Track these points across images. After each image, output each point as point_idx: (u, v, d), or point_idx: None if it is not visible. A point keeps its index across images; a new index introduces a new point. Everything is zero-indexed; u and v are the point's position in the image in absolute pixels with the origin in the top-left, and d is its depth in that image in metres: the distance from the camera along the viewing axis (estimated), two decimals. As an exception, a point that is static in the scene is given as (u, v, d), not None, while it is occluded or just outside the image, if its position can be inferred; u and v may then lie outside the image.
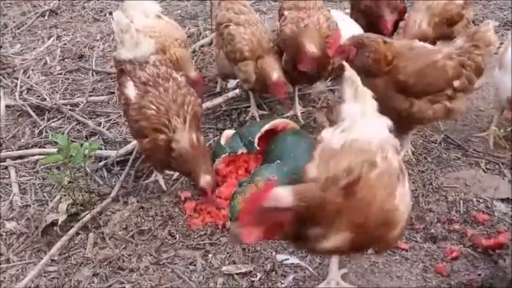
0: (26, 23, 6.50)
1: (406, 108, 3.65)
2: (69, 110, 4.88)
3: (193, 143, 3.47)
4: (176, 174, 3.93)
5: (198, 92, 3.95)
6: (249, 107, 4.70)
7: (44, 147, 4.46)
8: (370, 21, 4.86)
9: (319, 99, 4.88)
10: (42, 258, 3.39)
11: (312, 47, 4.05)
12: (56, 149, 3.67)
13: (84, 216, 3.61)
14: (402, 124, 3.80)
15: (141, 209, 3.67)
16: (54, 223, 3.57)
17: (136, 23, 4.38)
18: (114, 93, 5.07)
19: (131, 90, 3.63)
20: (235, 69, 4.46)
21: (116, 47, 4.10)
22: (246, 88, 4.61)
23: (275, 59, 4.32)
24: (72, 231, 3.53)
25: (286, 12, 4.41)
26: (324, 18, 4.27)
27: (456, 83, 3.65)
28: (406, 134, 4.00)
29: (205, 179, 3.44)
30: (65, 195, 3.72)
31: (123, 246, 3.42)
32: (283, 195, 2.32)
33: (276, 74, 4.22)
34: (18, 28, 6.41)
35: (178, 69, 4.47)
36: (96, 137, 4.53)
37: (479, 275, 3.09)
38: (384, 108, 3.64)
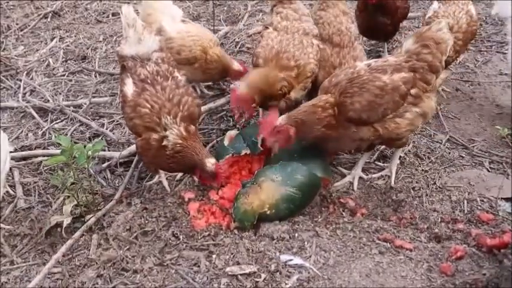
0: (28, 25, 6.50)
1: (374, 135, 3.53)
2: (72, 111, 4.89)
3: (183, 135, 3.47)
4: (179, 175, 3.93)
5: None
6: (251, 107, 4.70)
7: (48, 149, 4.46)
8: None
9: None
10: (46, 260, 3.40)
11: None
12: (59, 151, 3.67)
13: (88, 217, 3.61)
14: (388, 146, 3.82)
15: (144, 210, 3.66)
16: (58, 224, 3.57)
17: (166, 26, 4.49)
18: (117, 94, 5.07)
19: (129, 88, 3.63)
20: None
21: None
22: None
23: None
24: (77, 233, 3.53)
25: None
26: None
27: (413, 91, 3.51)
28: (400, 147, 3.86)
29: (210, 162, 3.48)
30: (68, 196, 3.72)
31: (127, 247, 3.42)
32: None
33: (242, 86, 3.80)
34: (21, 30, 6.41)
35: (218, 66, 4.53)
36: (100, 138, 4.53)
37: (484, 274, 3.08)
38: (358, 141, 3.59)
